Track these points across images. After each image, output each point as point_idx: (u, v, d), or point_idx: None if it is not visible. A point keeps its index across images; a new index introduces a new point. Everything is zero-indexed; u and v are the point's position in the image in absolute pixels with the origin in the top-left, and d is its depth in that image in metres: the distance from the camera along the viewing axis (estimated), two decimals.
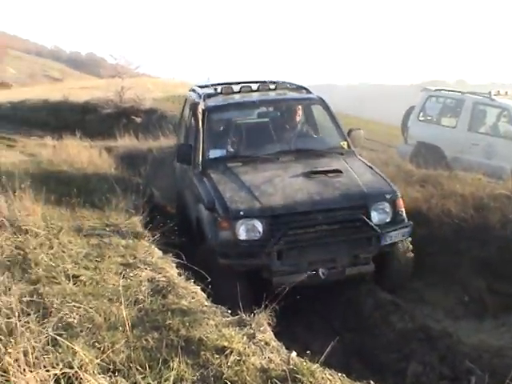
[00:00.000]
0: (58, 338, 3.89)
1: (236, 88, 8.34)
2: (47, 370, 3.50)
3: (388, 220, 6.48)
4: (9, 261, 5.44)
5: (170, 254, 6.20)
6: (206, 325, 4.38)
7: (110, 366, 3.75)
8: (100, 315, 4.39)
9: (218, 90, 8.37)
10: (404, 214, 6.60)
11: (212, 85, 9.31)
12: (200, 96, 8.30)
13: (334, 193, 6.43)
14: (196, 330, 4.27)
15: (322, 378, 3.79)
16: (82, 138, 14.70)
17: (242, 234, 6.13)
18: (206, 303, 4.93)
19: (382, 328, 6.09)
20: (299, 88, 8.70)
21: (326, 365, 4.01)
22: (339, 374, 3.98)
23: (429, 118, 13.61)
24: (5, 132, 19.20)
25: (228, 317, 4.64)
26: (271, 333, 4.54)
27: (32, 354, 3.58)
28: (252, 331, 4.34)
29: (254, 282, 6.05)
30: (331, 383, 3.73)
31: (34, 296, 4.68)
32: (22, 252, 5.68)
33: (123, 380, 3.62)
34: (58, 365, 3.59)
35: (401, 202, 6.62)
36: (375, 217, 6.39)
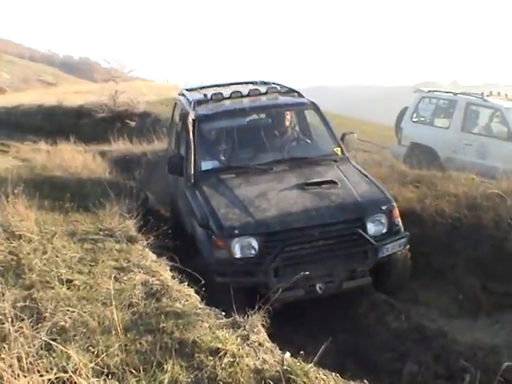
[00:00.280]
0: (52, 342, 3.89)
1: (226, 93, 8.16)
2: (41, 375, 3.51)
3: (384, 231, 6.41)
4: (2, 266, 5.45)
5: (164, 257, 6.21)
6: (200, 327, 4.39)
7: (105, 370, 3.76)
8: (94, 319, 4.41)
9: (208, 96, 8.18)
10: (400, 224, 6.54)
11: (201, 88, 9.24)
12: (190, 103, 8.15)
13: (329, 206, 6.34)
14: (190, 333, 4.28)
15: (316, 377, 3.80)
16: (77, 142, 14.71)
17: (238, 252, 6.06)
18: (199, 305, 4.94)
19: (376, 328, 6.13)
20: (290, 91, 8.53)
21: (320, 365, 4.02)
22: (333, 374, 3.99)
23: (422, 118, 13.62)
24: None
25: (222, 319, 4.65)
26: (265, 334, 4.55)
27: (26, 359, 3.59)
28: (246, 333, 4.35)
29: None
30: (325, 383, 3.74)
31: (28, 301, 4.69)
32: (15, 257, 5.68)
33: (117, 383, 3.63)
34: (52, 369, 3.61)
35: (397, 212, 6.55)
36: (371, 228, 6.33)
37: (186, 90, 9.37)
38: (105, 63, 29.97)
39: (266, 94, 8.21)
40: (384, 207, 6.43)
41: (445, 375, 5.16)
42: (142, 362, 3.88)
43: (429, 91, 13.83)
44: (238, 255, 6.07)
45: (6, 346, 3.70)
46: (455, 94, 13.14)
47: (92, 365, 3.74)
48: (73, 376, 3.52)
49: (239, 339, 4.24)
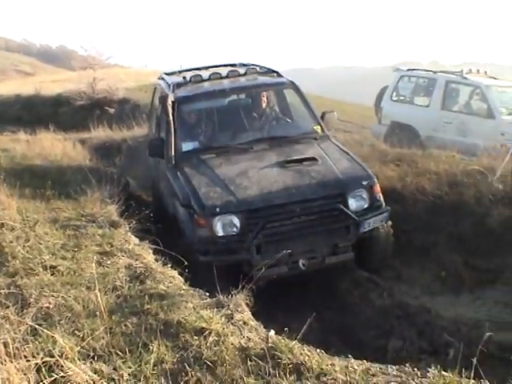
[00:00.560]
0: (37, 327, 3.92)
1: (205, 75, 8.18)
2: (28, 360, 3.52)
3: (366, 206, 6.45)
4: None
5: (147, 241, 6.22)
6: (185, 308, 4.42)
7: (91, 353, 3.79)
8: (78, 303, 4.42)
9: (187, 79, 8.20)
10: (381, 199, 6.58)
11: (180, 71, 9.20)
12: (169, 86, 8.15)
13: (310, 183, 6.38)
14: (174, 313, 4.31)
15: (301, 353, 3.84)
16: (56, 131, 14.59)
17: (220, 231, 6.09)
18: (183, 287, 4.97)
19: (360, 306, 6.17)
20: (269, 72, 8.53)
21: (304, 342, 4.06)
22: (317, 350, 4.03)
23: (402, 97, 13.66)
24: None
25: (206, 299, 4.68)
26: (249, 313, 4.61)
27: (12, 344, 3.60)
28: (230, 312, 4.39)
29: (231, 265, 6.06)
30: (310, 359, 3.77)
31: (12, 288, 4.70)
32: None
33: (104, 365, 3.66)
34: (38, 354, 3.63)
35: (378, 188, 6.58)
36: (353, 204, 6.37)
37: (166, 73, 9.35)
38: (82, 51, 29.64)
39: (245, 75, 8.24)
40: (365, 182, 6.47)
41: (429, 350, 5.22)
42: (128, 344, 3.90)
43: (408, 70, 13.87)
44: (220, 233, 6.09)
45: None
46: (435, 72, 13.18)
47: (78, 348, 3.76)
48: (59, 360, 3.54)
49: (223, 318, 4.27)
